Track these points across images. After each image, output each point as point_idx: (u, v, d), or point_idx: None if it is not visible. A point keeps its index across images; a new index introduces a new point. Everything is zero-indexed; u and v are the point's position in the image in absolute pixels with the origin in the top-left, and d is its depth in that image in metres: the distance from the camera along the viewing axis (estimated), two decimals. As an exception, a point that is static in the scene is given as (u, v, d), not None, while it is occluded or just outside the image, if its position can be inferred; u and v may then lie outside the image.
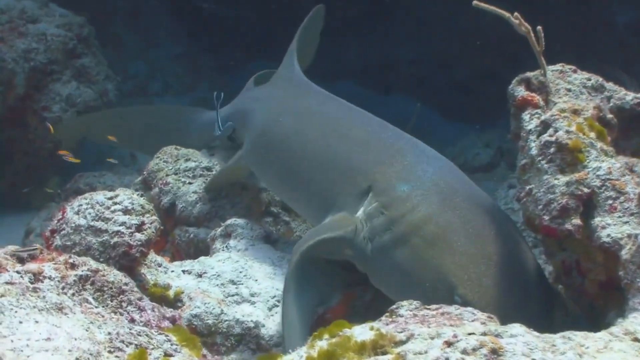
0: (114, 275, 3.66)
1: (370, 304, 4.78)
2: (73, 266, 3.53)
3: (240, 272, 4.94)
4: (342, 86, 12.77)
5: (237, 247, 5.33)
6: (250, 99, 6.84)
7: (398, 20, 12.88)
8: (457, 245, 4.18)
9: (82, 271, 3.51)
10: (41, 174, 8.77)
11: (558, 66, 4.75)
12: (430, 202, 4.41)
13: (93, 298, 3.46)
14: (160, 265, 4.83)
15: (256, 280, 4.90)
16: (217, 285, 4.80)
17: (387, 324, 3.18)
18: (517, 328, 2.94)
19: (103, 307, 3.48)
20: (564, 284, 4.33)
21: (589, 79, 4.67)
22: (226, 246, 5.38)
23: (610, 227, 3.82)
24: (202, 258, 5.20)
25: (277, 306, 4.73)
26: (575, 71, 4.73)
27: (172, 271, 4.86)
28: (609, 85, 4.69)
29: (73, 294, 3.41)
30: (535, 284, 4.29)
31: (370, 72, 13.26)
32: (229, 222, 5.56)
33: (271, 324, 4.58)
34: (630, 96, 4.60)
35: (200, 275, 4.87)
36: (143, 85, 11.91)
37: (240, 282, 4.84)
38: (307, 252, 4.60)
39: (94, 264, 3.63)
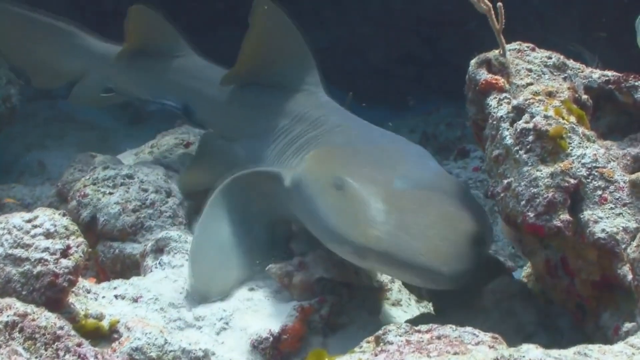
0: (46, 318, 3.12)
1: (329, 319, 4.34)
2: (-4, 311, 2.99)
3: (180, 292, 4.44)
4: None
5: (171, 264, 4.81)
6: None
7: (306, 7, 12.56)
8: (344, 155, 4.67)
9: (8, 316, 2.98)
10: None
11: (515, 44, 4.39)
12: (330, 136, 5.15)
13: (23, 348, 2.93)
14: (89, 291, 4.28)
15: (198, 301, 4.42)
16: (157, 310, 4.27)
17: (377, 355, 2.72)
18: (533, 350, 2.54)
19: (36, 358, 2.95)
20: (547, 285, 3.92)
21: (550, 57, 4.30)
22: (159, 263, 4.85)
23: (604, 221, 3.44)
24: (135, 279, 4.66)
25: (225, 329, 4.25)
26: (533, 49, 4.37)
27: (104, 297, 4.31)
28: (571, 63, 4.34)
29: (-1, 345, 2.89)
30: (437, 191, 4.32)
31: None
32: (160, 235, 5.03)
33: (222, 351, 4.08)
34: (596, 74, 4.25)
35: (135, 300, 4.34)
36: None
37: (181, 305, 4.34)
38: (238, 180, 4.86)
39: (21, 307, 3.10)
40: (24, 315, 3.06)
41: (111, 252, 5.45)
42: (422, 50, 12.42)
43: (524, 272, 4.80)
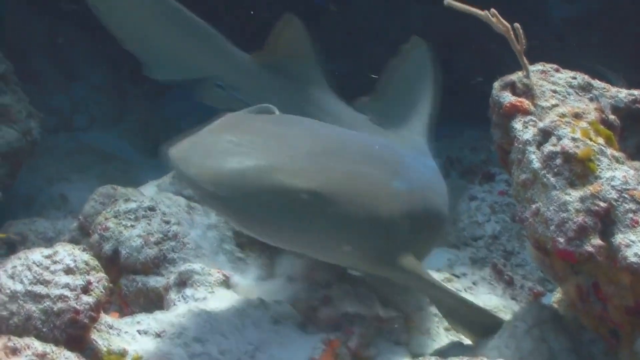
0: (66, 358, 3.06)
1: (357, 351, 4.26)
2: (14, 351, 2.93)
3: (204, 326, 4.36)
4: (274, 103, 12.36)
5: (195, 297, 4.75)
6: None
7: (327, 35, 12.55)
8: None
9: (26, 356, 2.92)
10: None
11: (539, 66, 4.31)
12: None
13: (42, 390, 2.87)
14: (111, 327, 4.21)
15: (223, 334, 4.32)
16: (180, 345, 4.20)
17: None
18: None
19: (55, 400, 2.89)
20: (580, 311, 3.83)
21: (574, 77, 4.22)
22: (182, 296, 4.79)
23: (636, 245, 3.35)
24: (158, 313, 4.59)
25: (251, 363, 4.18)
26: (557, 70, 4.29)
27: (126, 332, 4.24)
28: (596, 82, 4.25)
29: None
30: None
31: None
32: (183, 268, 4.98)
33: (247, 386, 4.01)
34: (623, 93, 4.17)
35: (159, 335, 4.27)
36: (67, 121, 11.28)
37: (206, 340, 4.26)
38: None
39: (39, 346, 3.04)
40: (43, 356, 3.00)
41: (134, 286, 5.38)
42: (442, 73, 12.35)
43: (554, 298, 4.70)
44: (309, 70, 6.71)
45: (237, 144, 3.85)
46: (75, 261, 3.79)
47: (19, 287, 3.69)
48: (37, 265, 3.76)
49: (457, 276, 6.46)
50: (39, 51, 11.84)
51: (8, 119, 8.22)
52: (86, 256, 3.86)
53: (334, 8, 9.59)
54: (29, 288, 3.67)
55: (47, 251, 3.86)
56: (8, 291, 3.69)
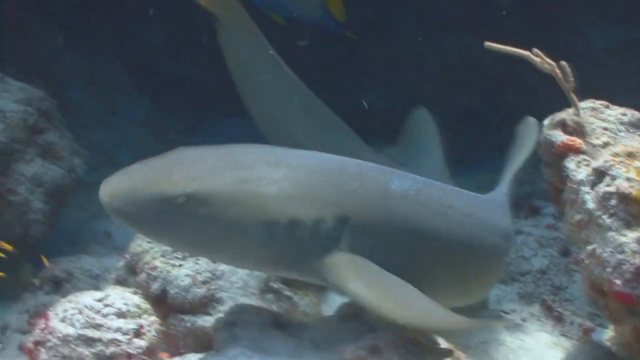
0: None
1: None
2: (70, 398, 2.94)
3: (255, 367, 4.36)
4: (315, 135, 12.41)
5: (245, 337, 4.72)
6: None
7: (366, 66, 12.63)
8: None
9: (82, 404, 2.92)
10: (11, 262, 8.12)
11: (588, 102, 4.29)
12: None
13: None
14: (162, 369, 4.23)
15: (275, 377, 4.31)
16: (231, 387, 4.20)
17: None
18: None
19: None
20: (636, 353, 3.78)
21: (624, 114, 4.20)
22: (232, 336, 4.77)
23: (695, 287, 3.30)
24: (208, 354, 4.58)
25: (305, 406, 4.15)
26: (607, 107, 4.27)
27: (178, 375, 4.26)
28: (647, 118, 4.21)
29: None
30: None
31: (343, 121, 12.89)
32: (231, 308, 4.97)
33: None
34: (674, 130, 4.13)
35: (209, 377, 4.28)
36: (109, 156, 11.36)
37: (257, 382, 4.26)
38: None
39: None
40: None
41: (183, 326, 5.37)
42: (484, 107, 12.33)
43: (606, 335, 4.66)
44: (436, 165, 6.86)
45: (148, 167, 4.31)
46: (127, 304, 3.82)
47: (70, 331, 3.71)
48: (89, 309, 3.79)
49: (507, 312, 6.42)
50: (80, 85, 11.95)
51: (52, 156, 8.28)
52: (138, 299, 3.89)
53: (353, 36, 9.58)
54: (81, 332, 3.70)
55: (98, 294, 3.89)
56: (60, 335, 3.72)
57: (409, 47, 12.36)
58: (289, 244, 4.26)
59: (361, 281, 4.10)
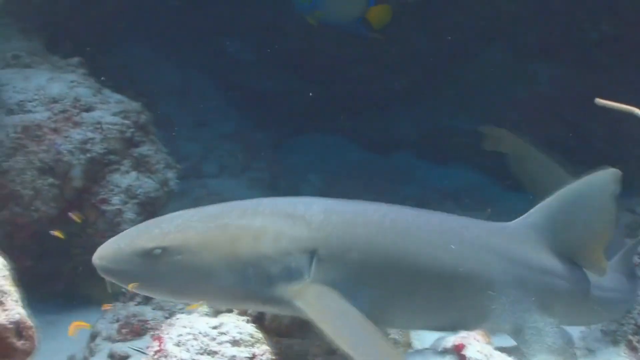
0: None
1: None
2: None
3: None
4: (399, 158, 12.48)
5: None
6: None
7: (450, 90, 12.67)
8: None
9: None
10: (102, 270, 8.30)
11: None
12: None
13: None
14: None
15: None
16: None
17: None
18: None
19: None
20: None
21: None
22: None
23: None
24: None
25: None
26: None
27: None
28: None
29: None
30: None
31: (426, 143, 12.97)
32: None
33: None
34: None
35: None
36: (197, 167, 11.53)
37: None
38: None
39: None
40: None
41: (277, 348, 5.45)
42: (567, 137, 12.29)
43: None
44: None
45: (134, 228, 4.86)
46: (241, 333, 3.90)
47: (185, 356, 3.81)
48: (204, 336, 3.88)
49: (592, 350, 6.41)
50: (170, 98, 12.14)
51: (147, 169, 8.46)
52: (251, 328, 3.97)
53: (380, 37, 9.62)
54: (195, 357, 3.79)
55: (213, 322, 3.98)
56: (174, 359, 3.82)
57: (496, 73, 12.37)
58: (260, 280, 4.53)
59: (321, 315, 4.38)
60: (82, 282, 8.20)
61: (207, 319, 4.05)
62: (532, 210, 5.48)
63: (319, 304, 4.46)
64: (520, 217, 5.48)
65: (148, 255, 4.51)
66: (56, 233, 6.84)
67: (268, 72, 13.21)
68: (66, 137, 8.12)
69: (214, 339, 3.87)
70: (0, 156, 7.91)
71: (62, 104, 8.35)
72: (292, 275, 4.54)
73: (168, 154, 8.84)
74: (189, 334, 3.91)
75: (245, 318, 4.07)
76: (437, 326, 5.06)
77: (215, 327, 3.93)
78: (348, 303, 4.47)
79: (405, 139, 13.08)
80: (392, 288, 4.80)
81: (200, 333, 3.90)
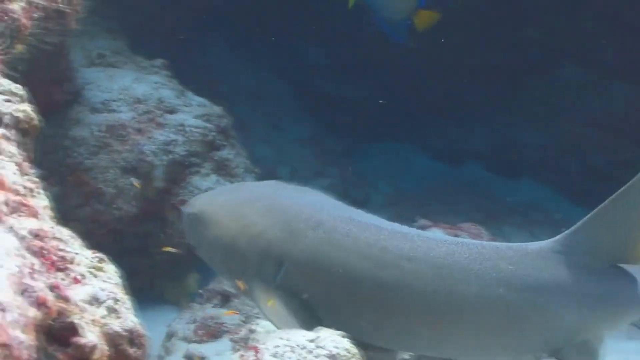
0: None
1: None
2: None
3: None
4: (468, 169, 12.51)
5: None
6: None
7: (525, 104, 12.65)
8: None
9: None
10: (179, 269, 8.43)
11: None
12: None
13: None
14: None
15: None
16: None
17: None
18: None
19: None
20: None
21: None
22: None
23: None
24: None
25: None
26: None
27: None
28: None
29: None
30: None
31: (497, 156, 12.96)
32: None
33: None
34: None
35: None
36: (271, 171, 11.61)
37: None
38: None
39: None
40: None
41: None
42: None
43: None
44: None
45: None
46: (337, 347, 3.98)
47: (282, 367, 3.90)
48: (301, 348, 3.97)
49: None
50: (246, 101, 12.24)
51: (227, 172, 8.58)
52: (347, 343, 4.05)
53: (413, 45, 9.62)
54: (291, 369, 3.88)
55: (309, 335, 4.07)
56: (272, 369, 3.91)
57: (570, 89, 12.33)
58: (239, 270, 5.19)
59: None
60: (158, 281, 8.36)
61: (303, 332, 4.14)
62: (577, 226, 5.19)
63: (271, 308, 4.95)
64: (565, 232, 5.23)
65: (186, 217, 5.62)
66: (167, 249, 7.42)
67: (343, 78, 13.27)
68: (150, 137, 8.26)
69: (310, 352, 3.95)
70: (83, 153, 8.05)
71: (146, 105, 8.50)
72: (260, 275, 5.05)
73: (247, 158, 8.93)
74: (287, 345, 4.00)
75: (341, 333, 4.14)
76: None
77: (312, 340, 4.02)
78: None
79: (476, 150, 13.08)
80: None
81: (297, 345, 3.99)
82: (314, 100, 13.27)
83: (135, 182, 7.60)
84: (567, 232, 5.20)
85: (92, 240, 3.30)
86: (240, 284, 5.18)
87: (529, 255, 5.08)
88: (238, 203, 5.36)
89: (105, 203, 8.05)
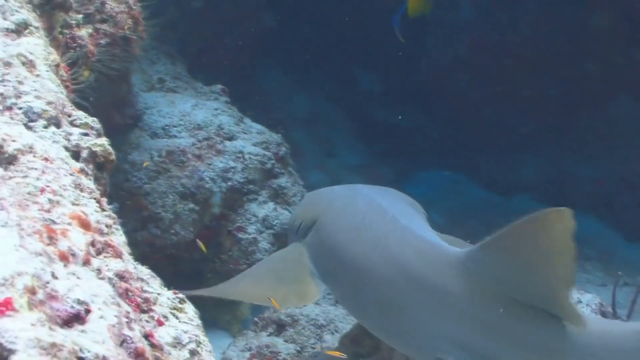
0: None
1: None
2: None
3: None
4: (518, 201, 12.47)
5: None
6: None
7: (579, 137, 12.58)
8: None
9: None
10: (232, 296, 8.47)
11: None
12: None
13: None
14: None
15: None
16: None
17: None
18: None
19: None
20: None
21: None
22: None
23: None
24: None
25: None
26: None
27: None
28: None
29: None
30: None
31: (548, 188, 12.88)
32: None
33: None
34: None
35: None
36: (319, 199, 11.65)
37: None
38: None
39: None
40: None
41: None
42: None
43: None
44: None
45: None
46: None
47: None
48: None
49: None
50: (300, 127, 12.29)
51: (284, 200, 8.62)
52: None
53: (402, 40, 9.53)
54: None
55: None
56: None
57: (624, 123, 12.27)
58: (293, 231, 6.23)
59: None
60: (211, 306, 8.39)
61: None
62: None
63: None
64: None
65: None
66: (201, 244, 7.35)
67: (396, 106, 13.31)
68: (209, 164, 8.31)
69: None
70: (142, 178, 8.12)
71: (206, 132, 8.57)
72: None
73: (304, 187, 8.96)
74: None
75: None
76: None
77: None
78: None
79: (528, 182, 13.02)
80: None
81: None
82: (367, 127, 13.30)
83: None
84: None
85: (147, 264, 3.30)
86: None
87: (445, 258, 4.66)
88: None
89: (163, 228, 8.10)
